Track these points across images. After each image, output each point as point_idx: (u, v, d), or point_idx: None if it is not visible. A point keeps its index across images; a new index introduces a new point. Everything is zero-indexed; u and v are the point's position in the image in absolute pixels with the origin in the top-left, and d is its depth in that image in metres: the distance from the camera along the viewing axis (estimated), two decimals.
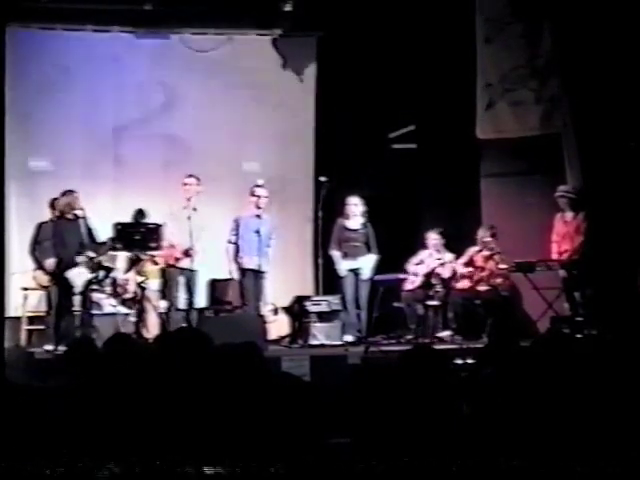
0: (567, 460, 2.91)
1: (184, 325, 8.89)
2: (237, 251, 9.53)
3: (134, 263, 9.58)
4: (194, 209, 9.33)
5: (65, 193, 9.21)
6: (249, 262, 9.48)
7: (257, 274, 9.51)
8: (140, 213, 9.78)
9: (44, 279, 9.29)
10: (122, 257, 9.65)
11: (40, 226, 9.33)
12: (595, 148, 9.09)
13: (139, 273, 9.60)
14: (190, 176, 9.51)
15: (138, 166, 10.89)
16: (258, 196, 9.56)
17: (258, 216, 9.56)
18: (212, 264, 9.82)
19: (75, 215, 9.13)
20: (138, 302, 9.53)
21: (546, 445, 2.99)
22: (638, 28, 8.60)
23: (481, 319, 9.48)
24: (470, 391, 3.40)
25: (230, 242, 9.57)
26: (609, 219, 8.91)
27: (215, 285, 10.32)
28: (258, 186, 9.65)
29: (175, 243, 9.30)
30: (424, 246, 9.99)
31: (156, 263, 9.49)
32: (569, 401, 3.18)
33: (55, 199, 9.42)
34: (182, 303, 9.41)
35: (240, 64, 11.21)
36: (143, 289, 9.59)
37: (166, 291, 9.41)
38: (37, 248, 9.26)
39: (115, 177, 10.89)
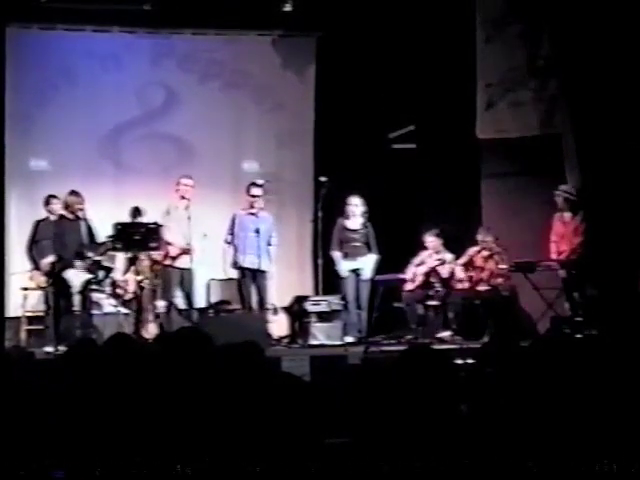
0: (567, 460, 2.91)
1: (184, 325, 8.89)
2: (234, 250, 9.52)
3: (133, 263, 9.57)
4: (187, 207, 9.32)
5: (70, 193, 9.19)
6: (246, 261, 9.47)
7: (256, 273, 9.50)
8: (137, 211, 9.76)
9: (41, 279, 9.27)
10: (122, 257, 9.64)
11: (38, 224, 9.28)
12: (594, 148, 9.10)
13: (138, 273, 9.60)
14: (186, 176, 9.52)
15: (138, 166, 10.90)
16: (253, 195, 9.53)
17: (254, 214, 9.54)
18: (212, 264, 9.83)
19: (76, 216, 9.13)
20: (138, 302, 9.53)
21: (546, 445, 2.99)
22: (637, 28, 8.61)
23: (481, 319, 9.48)
24: (470, 391, 3.40)
25: (226, 241, 9.56)
26: (609, 219, 8.92)
27: (216, 285, 10.31)
28: (255, 185, 9.63)
29: (173, 242, 9.31)
30: (424, 247, 9.99)
31: (155, 263, 9.48)
32: (569, 401, 3.18)
33: (50, 196, 9.38)
34: (181, 303, 9.43)
35: (240, 64, 11.23)
36: (142, 289, 9.59)
37: (164, 291, 9.42)
38: (34, 247, 9.22)
39: (115, 177, 10.90)
